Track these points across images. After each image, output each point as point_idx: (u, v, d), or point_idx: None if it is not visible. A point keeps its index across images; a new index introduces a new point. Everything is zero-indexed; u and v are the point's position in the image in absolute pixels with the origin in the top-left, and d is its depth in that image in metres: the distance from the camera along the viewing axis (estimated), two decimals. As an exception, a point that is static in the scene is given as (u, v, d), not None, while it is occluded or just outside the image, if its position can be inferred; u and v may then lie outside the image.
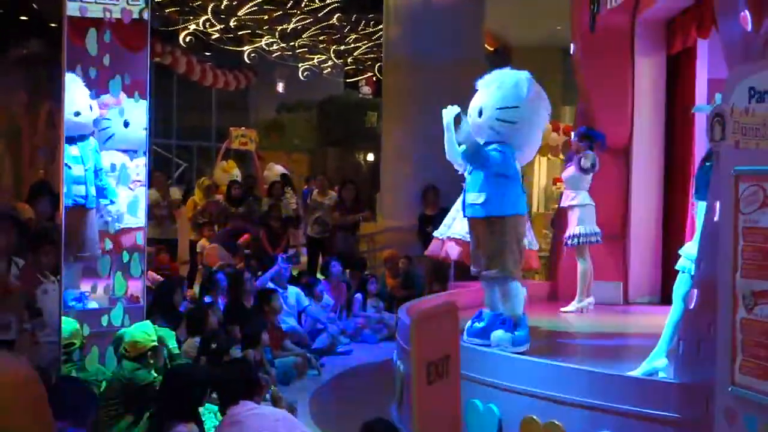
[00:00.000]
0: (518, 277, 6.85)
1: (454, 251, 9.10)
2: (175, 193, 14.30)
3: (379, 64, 20.34)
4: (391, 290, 12.75)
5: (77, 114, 7.83)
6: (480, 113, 6.73)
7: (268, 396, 7.85)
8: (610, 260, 9.56)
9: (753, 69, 4.12)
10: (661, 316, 8.66)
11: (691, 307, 5.16)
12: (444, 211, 10.33)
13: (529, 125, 6.78)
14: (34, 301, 7.39)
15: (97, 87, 7.99)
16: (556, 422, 5.74)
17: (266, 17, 19.81)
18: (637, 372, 5.93)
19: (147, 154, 8.59)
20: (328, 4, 19.04)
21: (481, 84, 6.89)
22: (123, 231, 8.32)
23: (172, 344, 7.84)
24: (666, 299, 9.44)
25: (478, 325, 6.79)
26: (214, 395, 6.52)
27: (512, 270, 6.72)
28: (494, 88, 6.75)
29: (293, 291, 11.20)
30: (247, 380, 5.84)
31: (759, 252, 3.88)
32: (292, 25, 20.33)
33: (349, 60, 24.37)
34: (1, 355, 2.15)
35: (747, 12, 4.97)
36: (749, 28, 4.96)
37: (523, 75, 6.81)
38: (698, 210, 5.64)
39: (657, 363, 5.96)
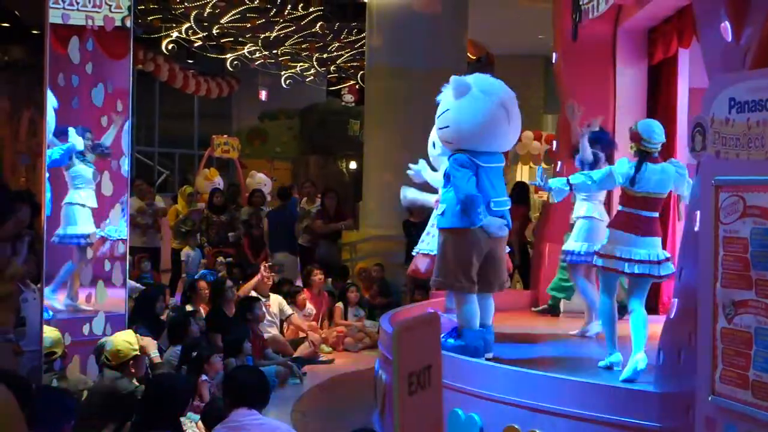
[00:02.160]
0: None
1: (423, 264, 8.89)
2: (160, 201, 14.24)
3: (361, 72, 20.36)
4: (369, 300, 12.73)
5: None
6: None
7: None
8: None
9: (733, 79, 4.14)
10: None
11: (672, 316, 5.19)
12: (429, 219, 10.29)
13: (458, 111, 6.71)
14: (18, 310, 7.35)
15: (79, 95, 7.98)
16: (538, 431, 5.76)
17: (249, 25, 19.79)
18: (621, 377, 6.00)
19: (129, 162, 8.56)
20: (311, 13, 19.03)
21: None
22: (103, 239, 8.31)
23: (154, 353, 7.81)
24: (649, 309, 9.47)
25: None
26: (195, 403, 6.49)
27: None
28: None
29: (275, 299, 11.18)
30: (263, 389, 5.82)
31: (739, 262, 3.89)
32: (275, 33, 20.31)
33: (332, 68, 24.35)
34: None
35: (727, 23, 5.00)
36: (729, 38, 4.99)
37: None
38: None
39: (637, 357, 6.02)
